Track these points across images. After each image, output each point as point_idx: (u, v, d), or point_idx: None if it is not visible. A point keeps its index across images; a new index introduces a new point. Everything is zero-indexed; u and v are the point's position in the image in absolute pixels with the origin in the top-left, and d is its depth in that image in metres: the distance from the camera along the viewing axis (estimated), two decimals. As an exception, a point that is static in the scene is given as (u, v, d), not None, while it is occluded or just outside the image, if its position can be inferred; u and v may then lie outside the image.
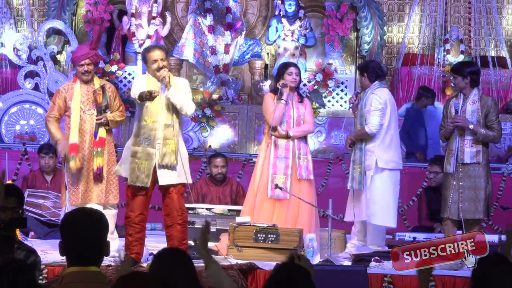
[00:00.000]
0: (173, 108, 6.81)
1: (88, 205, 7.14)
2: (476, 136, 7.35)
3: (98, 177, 7.37)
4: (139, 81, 7.05)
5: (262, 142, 7.95)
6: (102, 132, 7.45)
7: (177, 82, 7.01)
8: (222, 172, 9.19)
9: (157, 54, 6.90)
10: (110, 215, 7.32)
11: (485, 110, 7.39)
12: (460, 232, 7.63)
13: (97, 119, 7.41)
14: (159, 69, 6.82)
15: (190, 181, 7.01)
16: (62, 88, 7.66)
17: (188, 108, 6.86)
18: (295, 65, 8.03)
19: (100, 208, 7.16)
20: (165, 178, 6.80)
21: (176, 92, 6.80)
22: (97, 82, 7.60)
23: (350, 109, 8.35)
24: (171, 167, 6.79)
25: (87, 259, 3.44)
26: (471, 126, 7.32)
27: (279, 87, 7.67)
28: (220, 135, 12.17)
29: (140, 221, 6.85)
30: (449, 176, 7.46)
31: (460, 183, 7.37)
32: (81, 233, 3.45)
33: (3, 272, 3.22)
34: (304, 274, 3.52)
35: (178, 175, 6.84)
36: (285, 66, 7.92)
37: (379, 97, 7.65)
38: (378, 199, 7.62)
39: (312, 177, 7.74)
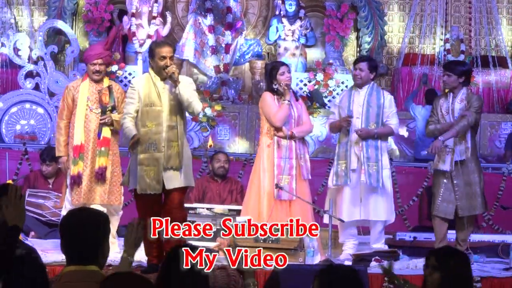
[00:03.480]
0: (177, 109, 6.62)
1: (92, 206, 7.10)
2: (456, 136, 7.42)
3: (100, 177, 7.32)
4: (132, 95, 6.71)
5: (260, 142, 7.67)
6: (106, 132, 7.40)
7: (182, 80, 6.72)
8: (224, 166, 9.14)
9: (166, 51, 6.65)
10: (113, 220, 7.33)
11: (468, 105, 7.46)
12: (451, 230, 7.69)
13: (100, 119, 7.38)
14: (166, 66, 6.58)
15: (193, 184, 6.87)
16: (70, 86, 7.63)
17: (197, 105, 6.62)
18: (284, 64, 7.83)
19: (103, 209, 7.14)
20: (171, 181, 6.58)
21: (185, 89, 6.58)
22: (106, 82, 7.57)
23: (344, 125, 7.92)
24: (176, 170, 6.59)
25: (85, 258, 3.44)
26: (441, 138, 7.40)
27: (281, 89, 7.47)
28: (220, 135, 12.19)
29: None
30: (441, 173, 7.46)
31: (455, 182, 7.40)
32: (80, 232, 3.45)
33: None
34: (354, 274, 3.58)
35: (184, 177, 6.64)
36: (275, 67, 7.62)
37: (392, 97, 7.80)
38: (390, 197, 7.72)
39: (310, 176, 7.66)
